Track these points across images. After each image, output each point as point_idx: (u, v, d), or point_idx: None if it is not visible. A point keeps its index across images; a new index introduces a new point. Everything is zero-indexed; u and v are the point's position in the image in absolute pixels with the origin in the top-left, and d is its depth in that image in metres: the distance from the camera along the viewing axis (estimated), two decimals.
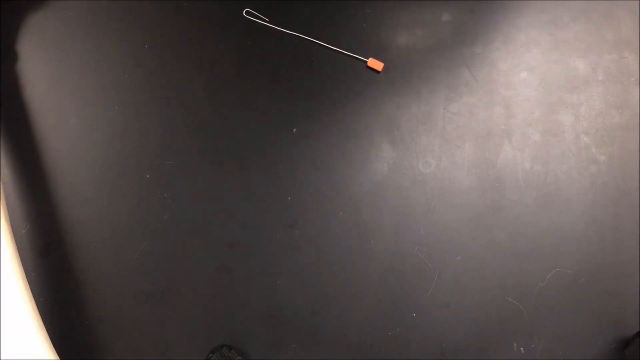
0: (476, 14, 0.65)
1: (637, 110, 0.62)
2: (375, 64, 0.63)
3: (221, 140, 0.62)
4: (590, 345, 0.57)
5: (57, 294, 0.59)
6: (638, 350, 0.53)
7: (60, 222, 0.60)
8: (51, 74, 0.64)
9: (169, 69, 0.64)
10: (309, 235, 0.60)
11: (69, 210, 0.60)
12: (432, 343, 0.57)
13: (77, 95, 0.63)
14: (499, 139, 0.62)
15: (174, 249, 0.60)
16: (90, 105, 0.63)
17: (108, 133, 0.63)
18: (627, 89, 0.62)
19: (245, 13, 0.65)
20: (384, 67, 0.63)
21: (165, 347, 0.58)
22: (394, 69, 0.64)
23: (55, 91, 0.63)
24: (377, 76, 0.63)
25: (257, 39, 0.65)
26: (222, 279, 0.59)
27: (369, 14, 0.65)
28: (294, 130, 0.62)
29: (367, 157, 0.62)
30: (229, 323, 0.58)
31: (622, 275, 0.58)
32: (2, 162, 0.61)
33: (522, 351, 0.57)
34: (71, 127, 0.63)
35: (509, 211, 0.60)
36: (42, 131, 0.62)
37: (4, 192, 0.56)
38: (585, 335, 0.57)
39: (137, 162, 0.62)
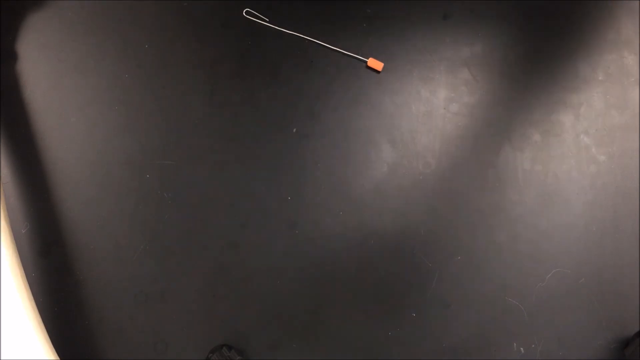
0: (476, 14, 0.65)
1: (637, 110, 0.62)
2: (375, 64, 0.63)
3: (221, 140, 0.62)
4: (590, 345, 0.57)
5: (57, 294, 0.59)
6: (638, 350, 0.53)
7: (60, 222, 0.60)
8: (51, 74, 0.64)
9: (169, 69, 0.64)
10: (309, 235, 0.60)
11: (69, 210, 0.60)
12: (432, 343, 0.57)
13: (77, 95, 0.63)
14: (499, 138, 0.62)
15: (174, 249, 0.60)
16: (90, 105, 0.63)
17: (108, 133, 0.63)
18: (627, 89, 0.62)
19: (245, 13, 0.65)
20: (384, 67, 0.63)
21: (165, 347, 0.58)
22: (394, 69, 0.64)
23: (55, 91, 0.63)
24: (377, 76, 0.63)
25: (257, 39, 0.65)
26: (222, 279, 0.59)
27: (369, 14, 0.65)
28: (294, 130, 0.62)
29: (367, 157, 0.62)
30: (229, 323, 0.58)
31: (622, 275, 0.58)
32: (2, 162, 0.61)
33: (522, 351, 0.57)
34: (71, 127, 0.63)
35: (509, 211, 0.60)
36: (42, 131, 0.62)
37: (4, 192, 0.56)
38: (585, 335, 0.57)
39: (137, 162, 0.62)
